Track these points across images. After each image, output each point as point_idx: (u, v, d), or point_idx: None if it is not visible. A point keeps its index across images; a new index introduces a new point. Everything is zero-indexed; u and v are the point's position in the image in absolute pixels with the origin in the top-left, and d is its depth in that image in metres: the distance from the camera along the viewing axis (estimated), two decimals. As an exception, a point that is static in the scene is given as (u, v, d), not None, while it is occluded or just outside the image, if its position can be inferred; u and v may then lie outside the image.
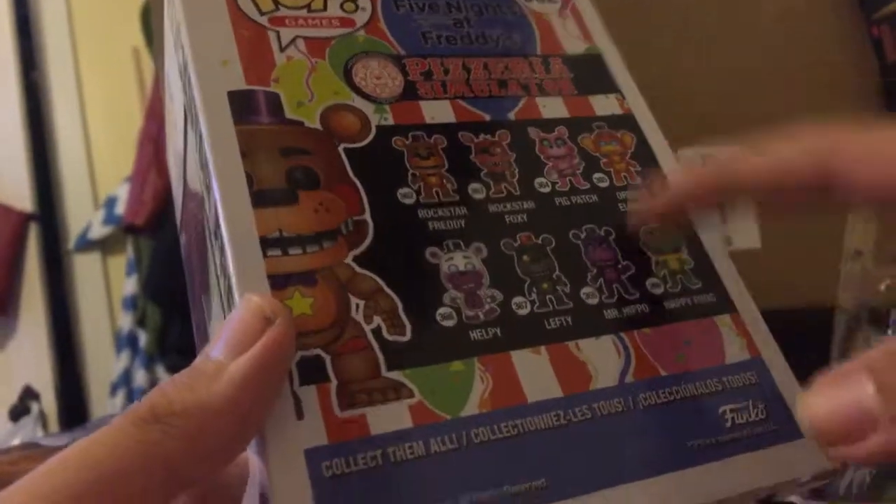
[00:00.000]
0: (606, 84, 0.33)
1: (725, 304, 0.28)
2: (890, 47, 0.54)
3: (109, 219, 1.61)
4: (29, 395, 1.56)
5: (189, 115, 0.28)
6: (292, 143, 0.26)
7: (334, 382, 0.22)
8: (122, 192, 1.55)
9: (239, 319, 0.22)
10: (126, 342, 1.53)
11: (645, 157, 0.31)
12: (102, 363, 1.63)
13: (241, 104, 0.26)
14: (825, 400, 0.19)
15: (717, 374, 0.27)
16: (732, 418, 0.26)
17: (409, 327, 0.24)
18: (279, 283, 0.23)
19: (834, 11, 0.55)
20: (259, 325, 0.21)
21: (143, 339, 1.48)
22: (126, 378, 1.53)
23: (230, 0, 0.29)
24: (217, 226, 0.25)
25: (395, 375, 0.23)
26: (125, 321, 1.55)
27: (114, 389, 1.54)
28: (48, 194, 1.74)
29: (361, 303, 0.24)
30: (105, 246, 1.70)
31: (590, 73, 0.33)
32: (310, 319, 0.23)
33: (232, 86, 0.27)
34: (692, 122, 0.48)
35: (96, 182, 1.74)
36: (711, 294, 0.28)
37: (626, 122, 0.32)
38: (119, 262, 1.66)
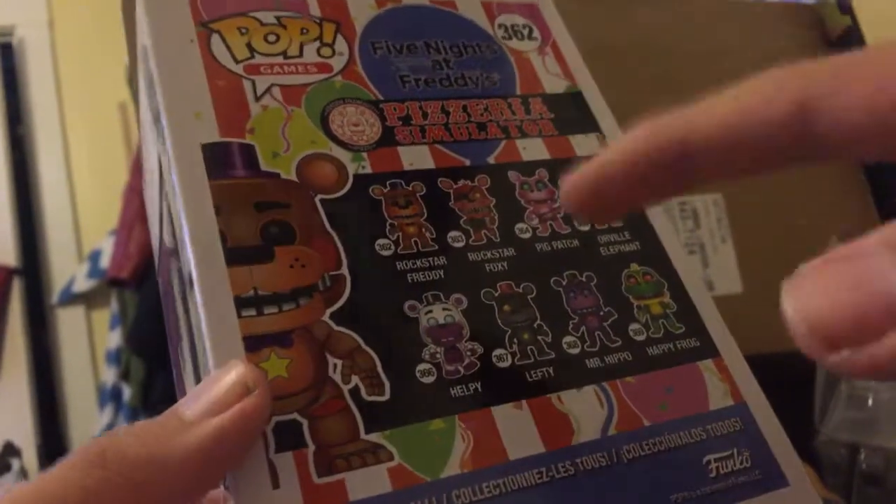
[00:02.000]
0: (587, 123, 0.33)
1: (708, 349, 0.28)
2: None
3: (94, 272, 1.60)
4: (10, 451, 1.53)
5: (163, 167, 0.28)
6: (267, 197, 0.26)
7: (312, 447, 0.22)
8: (107, 246, 1.54)
9: (218, 383, 0.21)
10: (109, 396, 1.51)
11: None
12: (85, 418, 1.61)
13: (215, 158, 0.26)
14: (825, 286, 0.13)
15: (701, 422, 0.26)
16: (717, 468, 0.26)
17: (387, 386, 0.24)
18: (254, 344, 0.23)
19: (809, 57, 0.56)
20: (237, 393, 0.21)
21: (126, 393, 1.46)
22: None
23: (204, 49, 0.28)
24: (191, 284, 0.24)
25: (375, 437, 0.23)
26: (109, 375, 1.53)
27: None
28: (32, 248, 1.74)
29: (339, 362, 0.24)
30: (89, 300, 1.70)
31: (570, 113, 0.33)
32: (286, 382, 0.23)
33: (206, 138, 0.26)
34: None
35: (81, 236, 1.74)
36: (694, 339, 0.28)
37: None
38: (103, 316, 1.65)
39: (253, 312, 0.24)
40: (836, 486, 0.39)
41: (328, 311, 0.24)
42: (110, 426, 1.50)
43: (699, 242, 0.47)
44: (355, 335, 0.24)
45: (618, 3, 0.52)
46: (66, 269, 1.71)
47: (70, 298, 1.68)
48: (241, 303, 0.24)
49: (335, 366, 0.24)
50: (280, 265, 0.25)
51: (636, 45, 0.52)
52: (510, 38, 0.34)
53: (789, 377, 0.42)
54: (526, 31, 0.35)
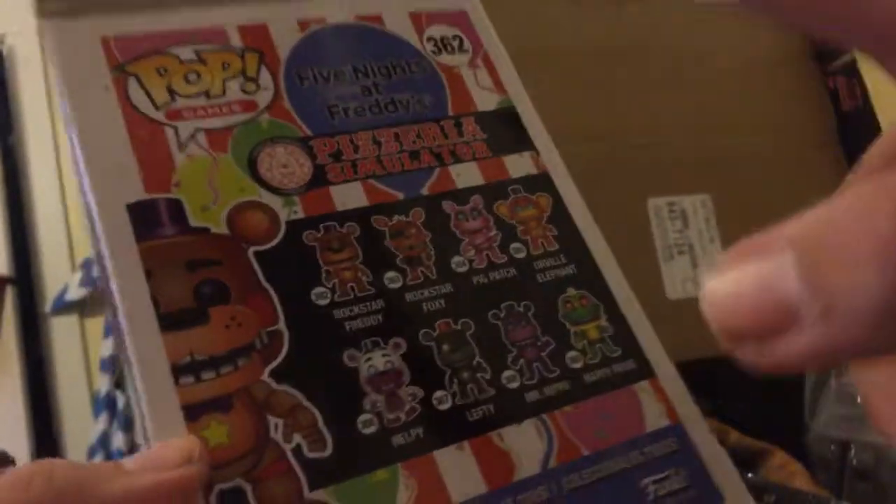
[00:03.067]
0: (520, 141, 0.32)
1: (644, 370, 0.29)
2: (845, 97, 0.55)
3: (87, 281, 1.58)
4: (4, 461, 1.52)
5: (90, 224, 0.27)
6: (199, 255, 0.26)
7: (257, 514, 0.22)
8: None
9: (167, 447, 0.22)
10: (104, 404, 1.51)
11: (561, 218, 0.31)
12: (80, 427, 1.61)
13: (142, 217, 0.26)
14: (731, 282, 0.13)
15: (638, 445, 0.27)
16: (654, 490, 0.27)
17: (329, 441, 0.24)
18: (193, 413, 0.23)
19: (792, 63, 0.56)
20: (179, 460, 0.22)
21: (121, 401, 1.46)
22: (104, 441, 1.50)
23: (122, 95, 0.28)
24: (126, 350, 0.24)
25: (318, 495, 0.23)
26: (103, 383, 1.52)
27: (91, 453, 1.51)
28: (25, 257, 1.71)
29: (280, 422, 0.24)
30: (82, 308, 1.68)
31: (503, 131, 0.32)
32: (228, 449, 0.23)
33: (130, 197, 0.26)
34: (658, 173, 0.49)
35: (73, 244, 1.72)
36: (631, 360, 0.29)
37: (542, 182, 0.32)
38: (97, 324, 1.63)
39: (191, 380, 0.24)
40: (827, 481, 0.41)
41: (267, 370, 0.25)
42: (105, 434, 1.50)
43: (688, 243, 0.48)
44: (295, 392, 0.24)
45: (605, 5, 0.52)
46: (59, 277, 1.69)
47: (63, 307, 1.67)
48: (178, 370, 0.24)
49: (276, 425, 0.24)
50: (215, 327, 0.25)
51: (623, 46, 0.52)
52: (440, 52, 0.33)
53: (779, 375, 0.43)
54: (456, 43, 0.34)
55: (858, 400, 0.41)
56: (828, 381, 0.41)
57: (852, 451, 0.40)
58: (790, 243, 0.12)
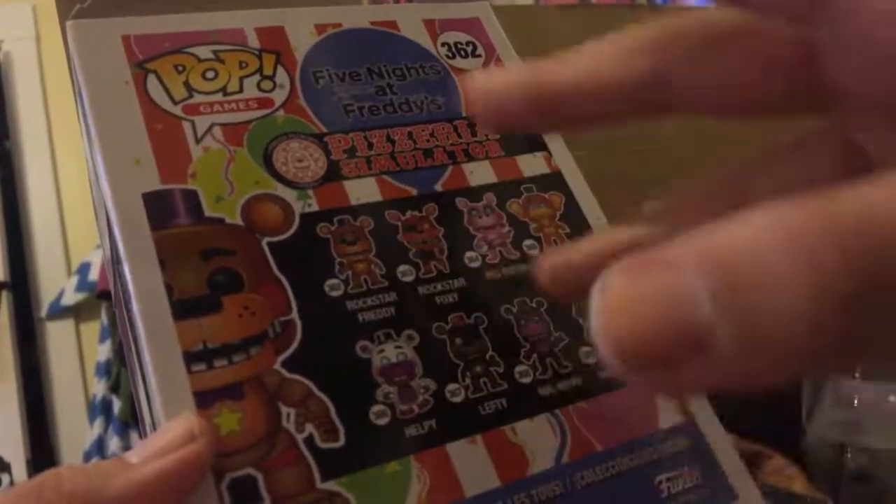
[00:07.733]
0: (533, 142, 0.33)
1: None
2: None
3: (83, 285, 1.61)
4: None
5: (105, 214, 0.27)
6: (213, 244, 0.26)
7: (268, 501, 0.22)
8: (96, 259, 1.55)
9: (166, 431, 0.22)
10: (99, 409, 1.52)
11: (574, 217, 0.31)
12: (75, 431, 1.62)
13: (157, 206, 0.26)
14: (630, 293, 0.11)
15: (652, 442, 0.27)
16: (668, 488, 0.26)
17: (342, 431, 0.24)
18: (205, 400, 0.23)
19: None
20: (181, 441, 0.22)
21: (116, 405, 1.47)
22: (99, 446, 1.51)
23: (141, 91, 0.28)
24: (138, 338, 0.24)
25: (331, 485, 0.23)
26: (98, 388, 1.54)
27: (87, 458, 1.52)
28: (21, 262, 1.74)
29: (292, 411, 0.24)
30: (78, 313, 1.70)
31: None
32: (239, 436, 0.23)
33: (146, 187, 0.26)
34: (654, 178, 0.49)
35: (69, 249, 1.75)
36: None
37: (555, 181, 0.32)
38: (92, 329, 1.66)
39: (203, 367, 0.24)
40: (824, 485, 0.40)
41: (279, 359, 0.24)
42: (100, 439, 1.51)
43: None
44: (307, 382, 0.24)
45: (601, 12, 0.52)
46: (55, 282, 1.72)
47: (59, 312, 1.69)
48: (190, 358, 0.24)
49: (288, 415, 0.24)
50: (229, 315, 0.25)
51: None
52: (454, 56, 0.34)
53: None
54: (469, 49, 0.34)
55: (855, 404, 0.41)
56: (824, 385, 0.41)
57: (849, 455, 0.40)
58: (699, 264, 0.11)
